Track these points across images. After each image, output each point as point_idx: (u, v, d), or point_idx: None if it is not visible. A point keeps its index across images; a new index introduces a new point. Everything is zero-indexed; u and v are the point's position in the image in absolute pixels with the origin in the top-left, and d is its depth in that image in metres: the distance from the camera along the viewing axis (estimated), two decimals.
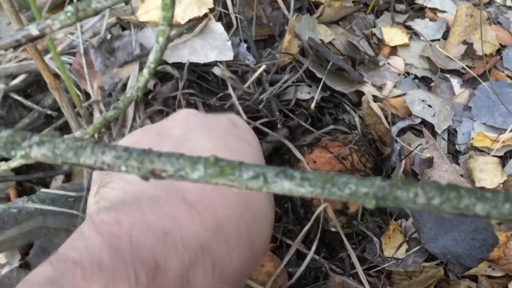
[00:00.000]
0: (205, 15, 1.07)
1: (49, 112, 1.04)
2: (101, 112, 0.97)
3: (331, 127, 1.08)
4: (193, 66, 1.05)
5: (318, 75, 1.10)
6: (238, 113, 0.98)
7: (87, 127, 0.45)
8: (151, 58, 0.38)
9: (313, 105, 1.07)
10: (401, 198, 0.26)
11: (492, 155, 1.13)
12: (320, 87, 1.07)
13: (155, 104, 0.97)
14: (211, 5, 1.06)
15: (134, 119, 0.95)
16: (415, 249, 0.98)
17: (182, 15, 1.05)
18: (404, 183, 0.27)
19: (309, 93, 1.12)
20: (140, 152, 0.29)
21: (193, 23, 1.07)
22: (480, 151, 1.16)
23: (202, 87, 1.05)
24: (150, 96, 0.98)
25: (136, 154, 0.29)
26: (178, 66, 1.02)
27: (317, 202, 0.96)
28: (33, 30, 0.34)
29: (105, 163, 0.29)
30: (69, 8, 0.34)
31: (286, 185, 0.27)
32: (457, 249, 0.95)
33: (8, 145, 0.28)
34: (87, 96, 1.02)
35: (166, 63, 1.02)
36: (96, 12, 0.34)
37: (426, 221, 0.98)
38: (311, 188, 0.27)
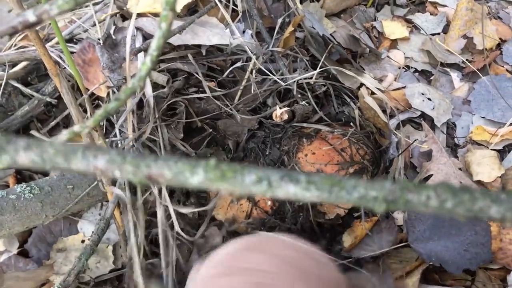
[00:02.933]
0: (195, 1, 1.06)
1: (48, 99, 1.03)
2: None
3: (321, 112, 1.07)
4: (201, 59, 1.05)
5: (318, 56, 1.11)
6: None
7: (87, 119, 0.44)
8: (154, 45, 0.36)
9: (312, 80, 1.07)
10: (412, 201, 0.26)
11: (491, 149, 1.13)
12: (319, 65, 1.07)
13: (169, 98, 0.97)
14: None
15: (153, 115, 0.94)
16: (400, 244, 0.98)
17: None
18: (416, 186, 0.26)
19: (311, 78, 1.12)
20: (135, 156, 0.28)
21: (184, 13, 1.07)
22: (479, 144, 1.16)
23: (212, 77, 1.05)
24: (165, 90, 0.98)
25: (131, 158, 0.28)
26: (187, 61, 1.02)
27: None
28: (30, 16, 0.33)
29: (98, 168, 0.28)
30: None
31: (291, 190, 0.27)
32: (444, 255, 0.94)
33: None
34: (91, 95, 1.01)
35: (176, 60, 1.02)
36: None
37: (421, 222, 0.97)
38: (318, 192, 0.26)
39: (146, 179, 0.28)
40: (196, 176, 0.28)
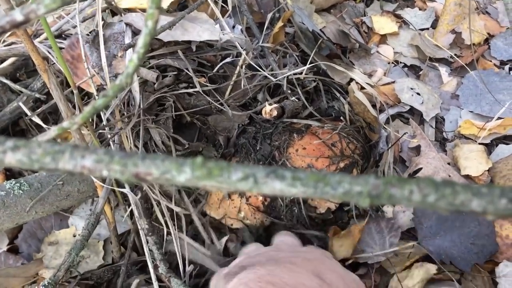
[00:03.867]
0: None
1: (37, 95, 1.03)
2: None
3: (311, 107, 1.08)
4: (191, 55, 1.04)
5: (308, 52, 1.11)
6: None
7: (75, 115, 0.44)
8: (140, 42, 0.37)
9: (302, 76, 1.07)
10: (395, 195, 0.26)
11: (479, 143, 1.14)
12: (309, 61, 1.07)
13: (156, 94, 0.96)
14: None
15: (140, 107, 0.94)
16: (409, 243, 0.99)
17: None
18: (399, 180, 0.26)
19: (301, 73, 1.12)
20: (123, 155, 0.28)
21: (174, 8, 1.07)
22: (467, 138, 1.17)
23: (202, 73, 1.05)
24: (155, 86, 0.97)
25: (118, 157, 0.28)
26: (177, 57, 1.02)
27: None
28: (18, 15, 0.33)
29: (86, 168, 0.28)
30: None
31: (277, 186, 0.27)
32: (453, 251, 0.94)
33: None
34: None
35: (165, 56, 1.01)
36: None
37: (427, 218, 0.98)
38: (303, 188, 0.27)
39: (133, 178, 0.29)
40: (183, 174, 0.29)
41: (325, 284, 0.61)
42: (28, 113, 0.89)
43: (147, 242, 0.90)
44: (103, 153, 0.29)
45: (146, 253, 0.89)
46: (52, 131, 0.41)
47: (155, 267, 0.90)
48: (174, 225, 0.94)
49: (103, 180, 0.87)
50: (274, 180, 0.28)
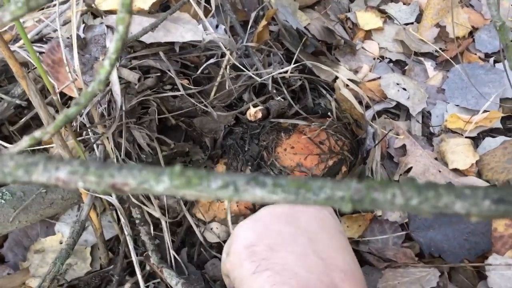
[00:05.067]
0: None
1: (18, 102, 1.01)
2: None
3: (298, 106, 1.07)
4: (174, 56, 1.03)
5: (293, 50, 1.11)
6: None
7: (48, 125, 0.43)
8: (112, 48, 0.36)
9: (287, 75, 1.06)
10: (378, 200, 0.25)
11: (465, 136, 1.14)
12: (294, 59, 1.06)
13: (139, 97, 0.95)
14: None
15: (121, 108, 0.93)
16: (396, 234, 1.00)
17: None
18: (381, 183, 0.26)
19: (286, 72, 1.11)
20: (99, 165, 0.27)
21: (155, 9, 1.05)
22: (454, 132, 1.17)
23: (186, 74, 1.04)
24: (137, 87, 0.96)
25: (94, 168, 0.27)
26: (159, 58, 1.00)
27: None
28: None
29: (60, 180, 0.27)
30: None
31: (258, 193, 0.26)
32: (444, 245, 0.95)
33: None
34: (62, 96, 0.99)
35: (148, 57, 1.00)
36: (50, 0, 0.33)
37: None
38: (285, 194, 0.26)
39: (110, 189, 0.28)
40: (161, 184, 0.28)
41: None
42: None
43: (138, 236, 0.90)
44: (78, 164, 0.28)
45: (133, 258, 0.88)
46: (24, 141, 0.40)
47: (147, 258, 0.90)
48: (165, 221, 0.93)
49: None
50: (254, 188, 0.27)
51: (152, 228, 0.93)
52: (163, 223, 0.92)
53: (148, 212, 0.93)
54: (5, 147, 0.97)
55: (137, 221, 0.91)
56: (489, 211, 0.25)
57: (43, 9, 1.16)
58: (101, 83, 0.37)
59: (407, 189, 0.26)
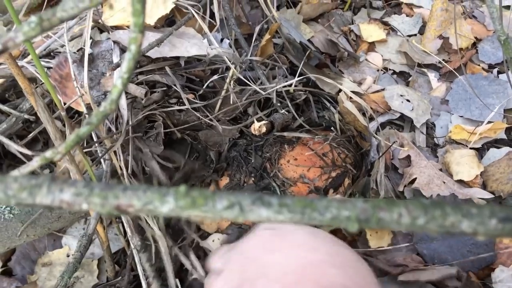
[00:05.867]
0: (172, 11, 1.06)
1: (26, 116, 1.02)
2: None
3: (302, 119, 1.08)
4: (179, 70, 1.05)
5: (297, 63, 1.12)
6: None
7: (60, 143, 0.43)
8: (124, 67, 0.36)
9: (291, 89, 1.07)
10: (384, 219, 0.26)
11: (470, 147, 1.14)
12: (298, 72, 1.07)
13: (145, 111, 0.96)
14: None
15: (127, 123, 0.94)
16: (403, 245, 0.99)
17: (149, 13, 1.04)
18: (387, 202, 0.26)
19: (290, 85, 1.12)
20: (103, 187, 0.28)
21: (161, 24, 1.07)
22: (458, 143, 1.17)
23: (192, 88, 1.05)
24: (143, 102, 0.97)
25: (98, 189, 0.27)
26: (165, 72, 1.02)
27: None
28: None
29: (64, 202, 0.27)
30: (33, 18, 0.32)
31: (263, 213, 0.27)
32: (448, 256, 0.94)
33: None
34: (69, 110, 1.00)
35: (154, 72, 1.01)
36: (62, 21, 0.33)
37: None
38: (290, 214, 0.26)
39: (114, 210, 0.28)
40: (166, 205, 0.28)
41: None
42: (5, 141, 0.88)
43: (140, 260, 0.90)
44: (82, 186, 0.28)
45: (139, 271, 0.88)
46: (35, 161, 0.40)
47: (148, 285, 0.90)
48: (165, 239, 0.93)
49: None
50: (260, 208, 0.27)
51: (153, 253, 0.92)
52: (163, 249, 0.91)
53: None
54: (23, 153, 0.97)
55: (137, 249, 0.90)
56: (495, 230, 0.25)
57: (47, 31, 1.17)
58: (113, 102, 0.37)
59: (414, 208, 0.26)
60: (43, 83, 1.02)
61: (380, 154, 1.09)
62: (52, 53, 1.14)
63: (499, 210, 0.25)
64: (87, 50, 0.86)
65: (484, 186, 1.09)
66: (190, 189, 0.28)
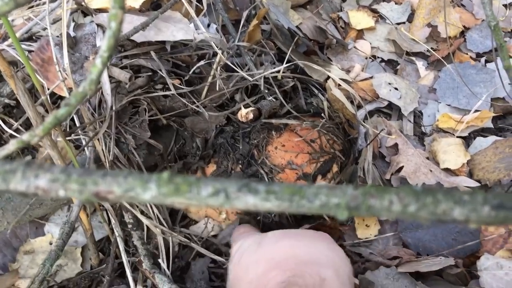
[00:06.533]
0: None
1: (7, 101, 1.00)
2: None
3: (289, 105, 1.07)
4: (165, 55, 1.02)
5: (285, 50, 1.10)
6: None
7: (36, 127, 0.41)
8: (104, 45, 0.34)
9: (279, 75, 1.06)
10: (375, 206, 0.25)
11: (457, 136, 1.14)
12: (286, 59, 1.06)
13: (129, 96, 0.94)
14: None
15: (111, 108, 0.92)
16: (389, 234, 1.00)
17: None
18: (378, 189, 0.25)
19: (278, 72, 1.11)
20: (81, 172, 0.26)
21: (146, 7, 1.04)
22: (445, 132, 1.17)
23: (178, 74, 1.03)
24: (127, 87, 0.95)
25: (76, 175, 0.26)
26: (150, 57, 0.99)
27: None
28: None
29: (40, 188, 0.26)
30: None
31: (250, 200, 0.26)
32: (432, 245, 0.95)
33: None
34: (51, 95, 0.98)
35: (139, 56, 0.99)
36: None
37: None
38: (278, 201, 0.26)
39: (93, 197, 0.27)
40: (148, 192, 0.27)
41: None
42: None
43: (130, 239, 0.89)
44: (59, 172, 0.27)
45: (124, 259, 0.87)
46: (11, 145, 0.39)
47: (139, 263, 0.89)
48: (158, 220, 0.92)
49: None
50: (246, 195, 0.26)
51: (145, 232, 0.92)
52: (159, 235, 0.91)
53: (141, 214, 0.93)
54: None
55: (129, 226, 0.90)
56: (488, 217, 0.24)
57: (32, 6, 1.14)
58: (92, 82, 0.35)
59: (405, 195, 0.26)
60: (24, 66, 1.00)
61: (368, 142, 1.08)
62: (34, 37, 1.11)
63: (492, 197, 0.25)
64: (64, 31, 0.83)
65: (470, 175, 1.09)
66: (173, 176, 0.27)
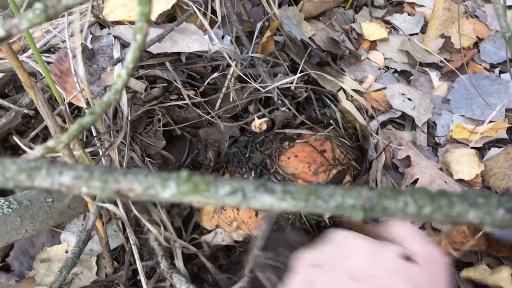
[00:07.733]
0: (173, 8, 1.06)
1: (26, 111, 1.02)
2: None
3: (303, 116, 1.07)
4: (180, 66, 1.04)
5: (298, 61, 1.11)
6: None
7: (65, 130, 0.42)
8: (129, 57, 0.34)
9: (293, 86, 1.07)
10: (390, 208, 0.25)
11: (471, 147, 1.14)
12: (299, 70, 1.06)
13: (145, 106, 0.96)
14: None
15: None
16: None
17: None
18: (393, 191, 0.25)
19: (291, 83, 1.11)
20: (103, 170, 0.27)
21: (162, 20, 1.07)
22: (459, 142, 1.17)
23: (192, 85, 1.05)
24: (143, 97, 0.97)
25: (98, 173, 0.27)
26: (166, 68, 1.01)
27: None
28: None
29: (63, 185, 0.27)
30: (38, 5, 0.31)
31: (266, 200, 0.26)
32: None
33: None
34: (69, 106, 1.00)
35: (155, 67, 1.01)
36: (67, 9, 0.32)
37: None
38: (294, 201, 0.26)
39: (115, 195, 0.28)
40: (168, 190, 0.28)
41: None
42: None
43: (144, 246, 0.89)
44: (82, 169, 0.28)
45: (138, 267, 0.88)
46: (37, 151, 0.40)
47: (156, 263, 0.89)
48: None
49: (93, 196, 0.86)
50: (263, 194, 0.27)
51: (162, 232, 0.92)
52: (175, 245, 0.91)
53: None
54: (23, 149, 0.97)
55: (145, 228, 0.91)
56: (503, 220, 0.24)
57: (51, 19, 1.17)
58: (117, 92, 0.36)
59: (420, 197, 0.26)
60: (43, 77, 1.02)
61: (378, 154, 1.08)
62: (52, 49, 1.13)
63: (506, 200, 0.25)
64: (78, 42, 0.85)
65: (483, 186, 1.08)
66: (192, 174, 0.27)
